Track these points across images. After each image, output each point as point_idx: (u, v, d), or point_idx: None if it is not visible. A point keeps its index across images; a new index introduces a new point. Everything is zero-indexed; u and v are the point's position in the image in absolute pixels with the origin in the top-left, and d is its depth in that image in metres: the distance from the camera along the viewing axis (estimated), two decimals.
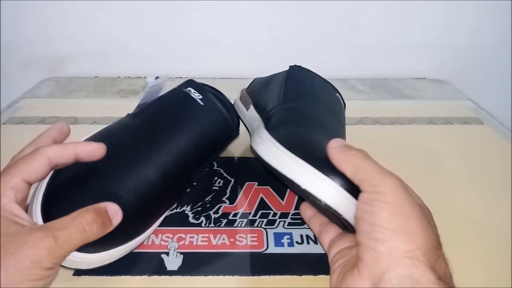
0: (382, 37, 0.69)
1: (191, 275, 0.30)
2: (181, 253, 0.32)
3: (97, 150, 0.28)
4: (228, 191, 0.40)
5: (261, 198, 0.39)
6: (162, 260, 0.31)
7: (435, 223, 0.26)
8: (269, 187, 0.40)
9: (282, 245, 0.33)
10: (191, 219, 0.36)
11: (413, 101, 0.64)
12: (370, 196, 0.24)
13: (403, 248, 0.22)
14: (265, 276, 0.30)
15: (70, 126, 0.30)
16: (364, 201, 0.25)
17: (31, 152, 0.26)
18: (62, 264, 0.26)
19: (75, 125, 0.52)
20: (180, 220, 0.36)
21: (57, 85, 0.67)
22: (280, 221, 0.36)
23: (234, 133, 0.40)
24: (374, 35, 0.69)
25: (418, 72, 0.73)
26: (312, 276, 0.30)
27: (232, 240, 0.34)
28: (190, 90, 0.37)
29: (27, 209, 0.28)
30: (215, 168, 0.43)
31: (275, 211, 0.37)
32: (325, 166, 0.27)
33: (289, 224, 0.35)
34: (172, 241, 0.33)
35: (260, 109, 0.40)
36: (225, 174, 0.42)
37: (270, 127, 0.33)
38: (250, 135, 0.40)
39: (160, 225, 0.35)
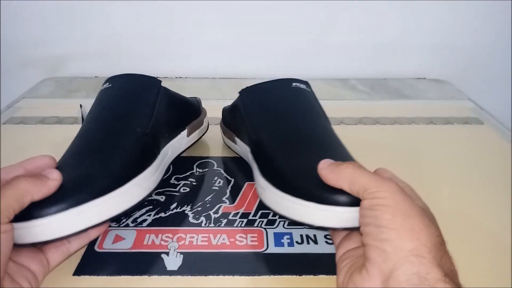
0: (382, 37, 0.69)
1: (191, 275, 0.30)
2: (181, 253, 0.32)
3: (44, 161, 0.30)
4: (228, 191, 0.40)
5: None
6: (162, 260, 0.31)
7: (437, 223, 0.26)
8: None
9: (282, 245, 0.33)
10: (191, 219, 0.36)
11: (413, 101, 0.64)
12: (370, 202, 0.25)
13: (408, 246, 0.23)
14: (265, 276, 0.30)
15: (52, 158, 0.30)
16: (366, 207, 0.25)
17: None
18: (37, 240, 0.26)
19: (75, 125, 0.52)
20: (180, 220, 0.36)
21: (57, 85, 0.67)
22: (280, 221, 0.36)
23: (153, 81, 0.41)
24: (374, 35, 0.69)
25: (418, 72, 0.73)
26: (312, 276, 0.30)
27: (232, 240, 0.34)
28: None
29: None
30: (215, 168, 0.43)
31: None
32: (325, 194, 0.28)
33: (289, 224, 0.35)
34: (172, 241, 0.33)
35: (245, 140, 0.41)
36: (225, 174, 0.42)
37: (263, 169, 0.34)
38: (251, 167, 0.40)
39: (160, 225, 0.35)
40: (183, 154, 0.46)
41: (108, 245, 0.33)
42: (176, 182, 0.41)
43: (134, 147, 0.34)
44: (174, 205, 0.38)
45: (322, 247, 0.33)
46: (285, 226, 0.35)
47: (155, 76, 0.41)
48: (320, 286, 0.30)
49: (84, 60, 0.70)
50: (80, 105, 0.40)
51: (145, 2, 0.64)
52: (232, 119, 0.44)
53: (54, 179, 0.27)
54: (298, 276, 0.30)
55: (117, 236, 0.34)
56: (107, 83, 0.41)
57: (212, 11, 0.66)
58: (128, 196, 0.31)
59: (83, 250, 0.32)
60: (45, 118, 0.54)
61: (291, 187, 0.30)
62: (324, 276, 0.30)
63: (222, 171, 0.43)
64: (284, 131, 0.36)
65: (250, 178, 0.41)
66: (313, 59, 0.71)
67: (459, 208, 0.38)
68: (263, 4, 0.65)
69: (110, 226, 0.35)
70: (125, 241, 0.33)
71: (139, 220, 0.36)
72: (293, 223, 0.32)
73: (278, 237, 0.34)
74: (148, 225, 0.35)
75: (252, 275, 0.30)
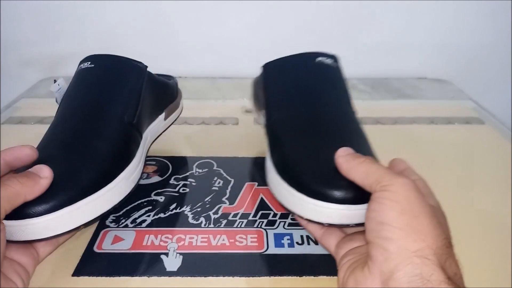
0: (383, 36, 0.69)
1: (191, 276, 0.30)
2: (180, 253, 0.32)
3: (25, 152, 0.29)
4: (228, 191, 0.40)
5: (261, 198, 0.39)
6: (161, 261, 0.31)
7: (447, 225, 0.26)
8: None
9: (282, 245, 0.33)
10: (190, 220, 0.36)
11: (414, 101, 0.64)
12: (379, 194, 0.25)
13: (413, 247, 0.22)
14: (265, 277, 0.30)
15: (33, 149, 0.30)
16: (374, 199, 0.25)
17: None
18: (28, 238, 0.26)
19: None
20: (179, 221, 0.36)
21: None
22: (280, 222, 0.36)
23: (139, 67, 0.40)
24: (375, 35, 0.69)
25: (419, 72, 0.73)
26: (312, 276, 0.30)
27: (232, 240, 0.33)
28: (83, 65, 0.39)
29: None
30: (215, 168, 0.43)
31: (275, 212, 0.37)
32: (319, 188, 0.28)
33: (289, 224, 0.35)
34: (172, 242, 0.33)
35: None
36: (225, 174, 0.42)
37: (271, 150, 0.34)
38: None
39: (159, 226, 0.35)
40: (183, 154, 0.45)
41: (107, 246, 0.33)
42: (175, 183, 0.41)
43: (121, 138, 0.34)
44: (174, 205, 0.37)
45: (322, 248, 0.33)
46: (285, 226, 0.35)
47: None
48: (320, 287, 0.29)
49: None
50: (54, 80, 0.38)
51: (145, 2, 0.64)
52: (257, 93, 0.43)
53: (46, 177, 0.27)
54: (298, 277, 0.30)
55: (116, 236, 0.34)
56: (88, 62, 0.38)
57: (212, 11, 0.65)
58: (118, 190, 0.32)
59: (82, 250, 0.32)
60: (44, 118, 0.54)
61: (287, 174, 0.30)
62: (324, 277, 0.30)
63: (222, 171, 0.43)
64: (298, 112, 0.35)
65: (250, 178, 0.41)
66: None
67: (460, 208, 0.38)
68: (263, 4, 0.65)
69: (109, 227, 0.35)
70: (124, 241, 0.33)
71: (138, 220, 0.35)
72: (295, 223, 0.32)
73: (278, 238, 0.34)
74: (148, 226, 0.35)
75: (252, 276, 0.30)
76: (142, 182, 0.41)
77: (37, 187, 0.27)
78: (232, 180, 0.41)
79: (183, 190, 0.40)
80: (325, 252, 0.32)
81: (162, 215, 0.36)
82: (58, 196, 0.27)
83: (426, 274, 0.22)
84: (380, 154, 0.47)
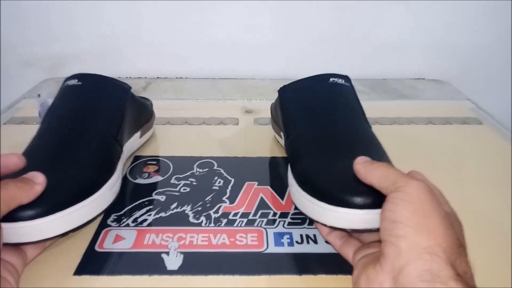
0: (382, 37, 0.69)
1: (191, 275, 0.30)
2: (181, 252, 0.32)
3: (12, 160, 0.30)
4: (228, 191, 0.40)
5: (261, 198, 0.39)
6: (162, 260, 0.31)
7: (462, 230, 0.26)
8: (269, 187, 0.40)
9: (282, 244, 0.33)
10: (191, 219, 0.36)
11: (412, 101, 0.64)
12: (394, 194, 0.26)
13: (423, 244, 0.23)
14: (265, 276, 0.30)
15: (21, 158, 0.30)
16: (389, 199, 0.26)
17: None
18: (20, 241, 0.28)
19: None
20: (180, 220, 0.36)
21: (58, 85, 0.66)
22: (280, 221, 0.36)
23: (124, 88, 0.42)
24: (374, 36, 0.69)
25: (417, 73, 0.73)
26: (312, 275, 0.30)
27: (232, 239, 0.34)
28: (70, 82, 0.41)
29: None
30: (215, 168, 0.44)
31: (275, 211, 0.37)
32: (339, 195, 0.29)
33: (289, 223, 0.36)
34: (172, 241, 0.33)
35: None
36: (225, 174, 0.43)
37: (292, 166, 0.36)
38: None
39: (160, 225, 0.35)
40: (183, 154, 0.46)
41: (108, 245, 0.33)
42: (176, 182, 0.41)
43: (106, 151, 0.36)
44: (174, 205, 0.38)
45: (322, 247, 0.33)
46: (285, 226, 0.35)
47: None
48: (320, 285, 0.30)
49: (84, 60, 0.70)
50: (38, 94, 0.40)
51: (145, 2, 0.65)
52: (276, 115, 0.45)
53: (40, 183, 0.29)
54: (298, 275, 0.30)
55: (117, 236, 0.34)
56: (75, 80, 0.41)
57: (213, 11, 0.66)
58: (102, 200, 0.33)
59: (84, 250, 0.32)
60: None
61: (308, 186, 0.31)
62: (324, 275, 0.30)
63: (222, 171, 0.43)
64: (315, 129, 0.37)
65: (250, 178, 0.42)
66: (312, 59, 0.71)
67: (459, 208, 0.38)
68: (264, 4, 0.65)
69: (110, 226, 0.35)
70: (126, 241, 0.33)
71: (139, 220, 0.36)
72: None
73: (278, 237, 0.34)
74: (149, 225, 0.35)
75: (252, 275, 0.30)
76: (143, 181, 0.41)
77: (32, 192, 0.28)
78: (232, 180, 0.42)
79: (183, 189, 0.40)
80: (325, 251, 0.32)
81: (163, 214, 0.36)
82: (50, 201, 0.29)
83: (435, 270, 0.22)
84: None
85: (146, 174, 0.42)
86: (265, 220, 0.36)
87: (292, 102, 0.41)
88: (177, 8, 0.65)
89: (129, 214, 0.36)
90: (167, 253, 0.32)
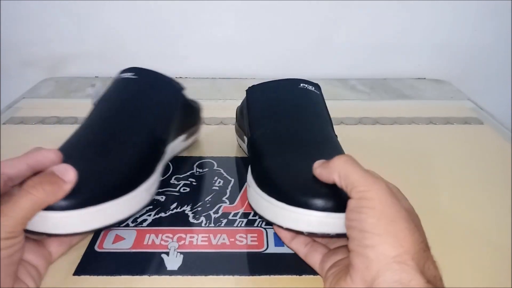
0: (382, 37, 0.69)
1: (191, 275, 0.30)
2: (181, 253, 0.32)
3: (49, 158, 0.29)
4: (228, 191, 0.40)
5: None
6: (162, 260, 0.31)
7: (422, 227, 0.26)
8: None
9: (282, 245, 0.33)
10: (191, 219, 0.36)
11: (413, 101, 0.64)
12: (357, 203, 0.25)
13: (391, 253, 0.23)
14: (265, 276, 0.30)
15: (57, 154, 0.29)
16: (352, 208, 0.25)
17: None
18: (46, 231, 0.27)
19: (75, 125, 0.52)
20: (180, 220, 0.36)
21: (57, 85, 0.67)
22: None
23: (177, 87, 0.41)
24: (374, 36, 0.69)
25: (418, 72, 0.73)
26: (311, 276, 0.30)
27: (232, 240, 0.34)
28: (126, 75, 0.41)
29: None
30: (215, 168, 0.43)
31: None
32: (298, 196, 0.28)
33: None
34: (172, 241, 0.33)
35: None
36: (225, 174, 0.43)
37: (252, 167, 0.34)
38: None
39: (160, 225, 0.35)
40: (183, 154, 0.46)
41: (108, 245, 0.33)
42: (176, 182, 0.41)
43: (149, 150, 0.34)
44: (174, 205, 0.38)
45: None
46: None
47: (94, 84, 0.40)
48: (319, 286, 0.30)
49: (84, 60, 0.70)
50: (94, 84, 0.39)
51: (145, 2, 0.64)
52: (241, 118, 0.44)
53: (70, 181, 0.27)
54: (298, 276, 0.30)
55: (117, 236, 0.34)
56: (131, 73, 0.40)
57: (213, 11, 0.66)
58: (138, 199, 0.32)
59: (84, 250, 0.32)
60: (45, 118, 0.54)
61: (267, 186, 0.30)
62: None
63: (222, 171, 0.43)
64: (278, 129, 0.36)
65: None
66: (313, 59, 0.71)
67: (459, 208, 0.38)
68: (264, 4, 0.65)
69: None
70: (125, 241, 0.33)
71: (139, 220, 0.36)
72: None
73: (278, 237, 0.34)
74: (148, 225, 0.35)
75: (252, 275, 0.30)
76: None
77: (60, 193, 0.27)
78: (232, 180, 0.42)
79: (183, 189, 0.40)
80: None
81: (163, 214, 0.36)
82: (84, 194, 0.28)
83: (405, 280, 0.22)
84: (379, 154, 0.47)
85: None
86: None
87: (258, 102, 0.40)
88: (177, 8, 0.65)
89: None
90: (167, 253, 0.32)
